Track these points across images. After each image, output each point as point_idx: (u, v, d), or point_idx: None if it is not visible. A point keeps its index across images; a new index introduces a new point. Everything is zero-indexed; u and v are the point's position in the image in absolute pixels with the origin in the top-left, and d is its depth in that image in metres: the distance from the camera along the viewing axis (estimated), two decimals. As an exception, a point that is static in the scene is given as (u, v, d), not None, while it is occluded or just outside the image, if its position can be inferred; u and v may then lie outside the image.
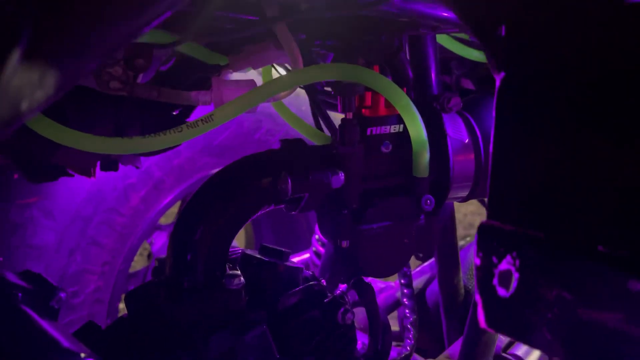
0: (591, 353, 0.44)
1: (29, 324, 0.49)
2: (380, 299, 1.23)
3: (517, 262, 0.47)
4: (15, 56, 0.33)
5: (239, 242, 2.31)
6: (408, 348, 0.91)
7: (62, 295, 0.57)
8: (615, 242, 0.42)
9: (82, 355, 0.44)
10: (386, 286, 1.28)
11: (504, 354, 1.01)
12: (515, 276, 0.47)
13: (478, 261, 0.49)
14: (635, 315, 0.43)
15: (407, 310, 0.96)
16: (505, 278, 0.48)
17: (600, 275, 0.43)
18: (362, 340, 0.85)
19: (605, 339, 0.43)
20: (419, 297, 1.30)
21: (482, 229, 0.50)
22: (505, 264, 0.48)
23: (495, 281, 0.48)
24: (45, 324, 0.49)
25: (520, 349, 1.02)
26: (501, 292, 0.48)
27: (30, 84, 0.34)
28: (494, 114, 0.52)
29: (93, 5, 0.36)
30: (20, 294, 0.54)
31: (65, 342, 0.47)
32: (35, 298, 0.55)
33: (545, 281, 0.45)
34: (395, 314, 1.28)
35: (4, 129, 0.35)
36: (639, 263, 0.42)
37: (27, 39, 0.34)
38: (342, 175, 0.71)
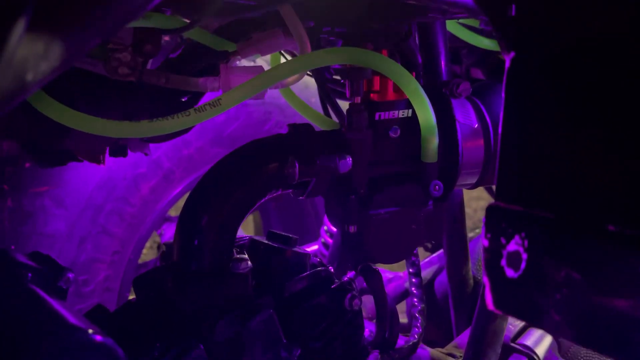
0: (601, 334, 0.43)
1: (37, 302, 0.49)
2: (389, 289, 1.22)
3: (526, 242, 0.46)
4: (19, 27, 0.33)
5: (248, 233, 2.32)
6: (416, 336, 0.90)
7: (70, 275, 0.57)
8: (625, 221, 0.42)
9: (90, 331, 0.45)
10: (395, 276, 1.28)
11: (512, 344, 1.00)
12: (523, 257, 0.47)
13: (486, 242, 0.49)
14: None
15: (415, 299, 0.96)
16: (513, 259, 0.47)
17: (610, 255, 0.42)
18: (369, 328, 0.85)
19: (616, 320, 0.43)
20: (427, 288, 1.30)
21: (490, 210, 0.49)
22: (513, 245, 0.47)
23: (503, 262, 0.48)
24: (53, 302, 0.50)
25: (529, 339, 1.01)
26: (509, 273, 0.48)
27: (35, 56, 0.34)
28: (503, 94, 0.51)
29: (98, -22, 0.36)
30: (29, 274, 0.55)
31: (72, 319, 0.47)
32: (44, 278, 0.56)
33: (554, 262, 0.45)
34: (404, 306, 1.28)
35: (10, 100, 0.35)
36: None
37: (32, 10, 0.34)
38: (349, 160, 0.71)
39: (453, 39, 0.94)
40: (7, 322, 0.46)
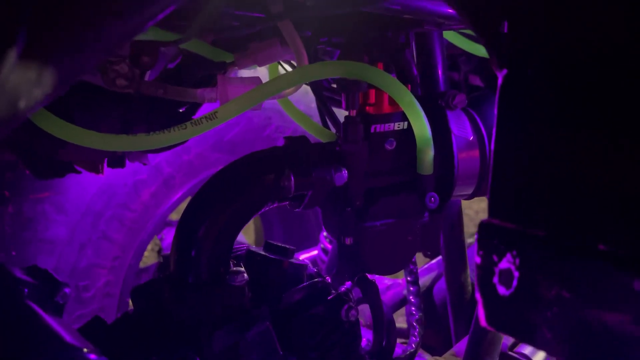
0: (592, 353, 0.44)
1: (33, 320, 0.50)
2: (388, 296, 1.23)
3: (517, 260, 0.47)
4: (12, 55, 0.34)
5: (249, 238, 2.32)
6: (413, 345, 0.91)
7: (67, 290, 0.57)
8: (616, 241, 0.42)
9: (85, 350, 0.45)
10: (393, 283, 1.28)
11: (510, 352, 1.00)
12: (515, 275, 0.47)
13: (479, 259, 0.49)
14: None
15: (413, 308, 0.96)
16: (505, 276, 0.47)
17: (600, 274, 0.42)
18: (367, 337, 0.85)
19: (607, 338, 0.43)
20: (426, 294, 1.30)
21: (483, 227, 0.49)
22: (505, 263, 0.47)
23: (495, 279, 0.48)
24: (49, 320, 0.50)
25: (527, 348, 1.02)
26: (501, 290, 0.48)
27: (27, 82, 0.35)
28: (495, 111, 0.51)
29: (89, 3, 0.36)
30: (26, 290, 0.55)
31: (68, 337, 0.47)
32: (41, 293, 0.56)
33: (545, 280, 0.45)
34: (404, 311, 1.28)
35: (3, 127, 0.35)
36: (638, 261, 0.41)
37: (24, 37, 0.34)
38: (345, 173, 0.71)
39: (451, 46, 0.95)
40: (3, 340, 0.47)
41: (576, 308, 0.43)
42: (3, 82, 0.34)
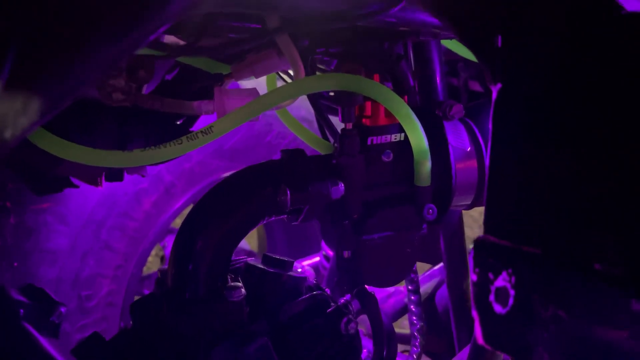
0: (589, 373, 0.43)
1: (28, 342, 0.50)
2: (389, 304, 1.22)
3: (513, 278, 0.46)
4: (-3, 85, 0.34)
5: (252, 243, 2.32)
6: (414, 356, 0.90)
7: (63, 310, 0.57)
8: (612, 260, 0.41)
9: (78, 373, 0.45)
10: (395, 291, 1.27)
11: (512, 361, 0.99)
12: (511, 293, 0.46)
13: (474, 277, 0.49)
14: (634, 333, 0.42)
15: (414, 317, 0.95)
16: (501, 295, 0.47)
17: (596, 293, 0.42)
18: (368, 347, 0.85)
19: (602, 358, 0.42)
20: (428, 301, 1.29)
21: (478, 244, 0.49)
22: (501, 281, 0.47)
23: (491, 297, 0.48)
24: (44, 342, 0.50)
25: (530, 356, 1.01)
26: (497, 308, 0.47)
27: (14, 112, 0.35)
28: (490, 126, 0.51)
29: (75, 32, 0.36)
30: (22, 310, 0.55)
31: (61, 360, 0.47)
32: (37, 313, 0.56)
33: (541, 299, 0.44)
34: (405, 318, 1.27)
35: (-11, 156, 0.35)
36: (635, 281, 0.41)
37: (10, 67, 0.34)
38: (341, 186, 0.71)
39: (450, 52, 0.94)
40: (-2, 363, 0.47)
41: (572, 328, 0.43)
42: (-11, 112, 0.33)
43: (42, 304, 0.57)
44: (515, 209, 0.48)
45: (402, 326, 1.59)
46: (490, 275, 0.48)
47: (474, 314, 0.49)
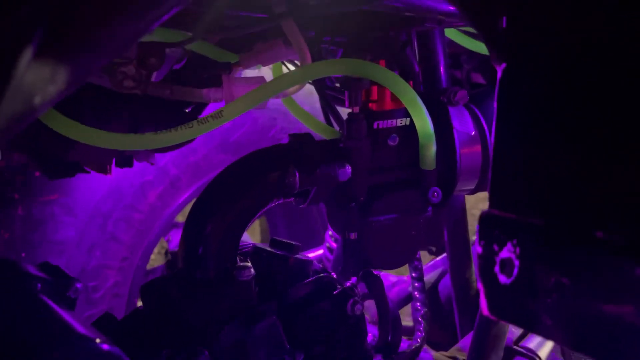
0: (590, 338, 0.45)
1: (47, 312, 0.51)
2: (393, 293, 1.24)
3: (518, 249, 0.48)
4: (28, 53, 0.35)
5: (254, 239, 2.33)
6: (418, 340, 0.92)
7: (79, 285, 0.59)
8: (613, 229, 0.43)
9: (97, 340, 0.47)
10: (399, 280, 1.29)
11: (515, 347, 1.01)
12: (516, 263, 0.48)
13: (480, 249, 0.50)
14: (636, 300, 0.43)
15: (418, 304, 0.97)
16: (506, 265, 0.49)
17: (598, 261, 0.43)
18: (373, 333, 0.86)
19: (603, 324, 0.44)
20: (432, 291, 1.31)
21: (484, 218, 0.50)
22: (506, 252, 0.48)
23: (496, 269, 0.49)
24: (62, 312, 0.52)
25: (532, 342, 1.02)
26: (502, 279, 0.49)
27: (42, 80, 0.36)
28: (495, 104, 0.52)
29: (101, 5, 0.38)
30: (39, 285, 0.57)
31: (81, 329, 0.49)
32: (54, 288, 0.58)
33: (544, 268, 0.46)
34: (409, 309, 1.29)
35: (19, 122, 0.37)
36: (637, 248, 0.42)
37: (40, 37, 0.36)
38: (348, 169, 0.72)
39: (453, 44, 0.96)
40: (18, 332, 0.48)
41: (575, 295, 0.44)
42: (20, 79, 0.35)
43: (59, 279, 0.58)
44: (518, 182, 0.49)
45: (405, 321, 1.60)
46: (495, 247, 0.49)
47: (479, 286, 0.51)
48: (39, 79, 0.36)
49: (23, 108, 0.36)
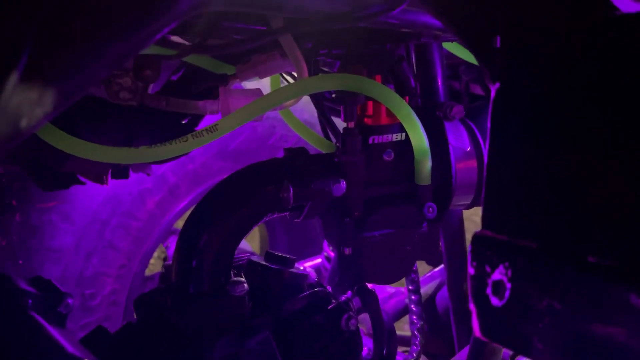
0: (582, 363, 0.44)
1: (36, 330, 0.51)
2: (390, 305, 1.23)
3: (510, 272, 0.47)
4: (14, 76, 0.35)
5: (254, 246, 2.33)
6: (414, 354, 0.91)
7: (70, 301, 0.59)
8: (604, 253, 0.43)
9: (85, 360, 0.46)
10: (396, 291, 1.28)
11: (511, 361, 1.00)
12: (507, 286, 0.47)
13: (472, 270, 0.50)
14: (633, 327, 0.43)
15: (414, 317, 0.96)
16: (498, 287, 0.48)
17: (589, 285, 0.43)
18: (368, 346, 0.86)
19: (595, 348, 0.44)
20: (429, 302, 1.30)
21: (476, 239, 0.50)
22: (498, 274, 0.48)
23: (488, 290, 0.49)
24: (52, 330, 0.51)
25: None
26: (494, 301, 0.48)
27: (29, 102, 0.36)
28: (488, 124, 0.52)
29: (89, 25, 0.38)
30: (30, 300, 0.57)
31: (69, 348, 0.49)
32: (45, 304, 0.58)
33: (537, 291, 0.45)
34: (407, 319, 1.28)
35: (5, 145, 0.37)
36: (629, 273, 0.42)
37: (27, 59, 0.36)
38: (343, 184, 0.72)
39: (452, 55, 0.96)
40: (7, 349, 0.48)
41: (567, 319, 0.44)
42: (6, 103, 0.35)
43: (50, 295, 0.58)
44: (511, 204, 0.49)
45: (403, 329, 1.60)
46: (488, 269, 0.49)
47: (472, 307, 0.51)
48: (26, 102, 0.36)
49: (9, 131, 0.36)
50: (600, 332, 0.43)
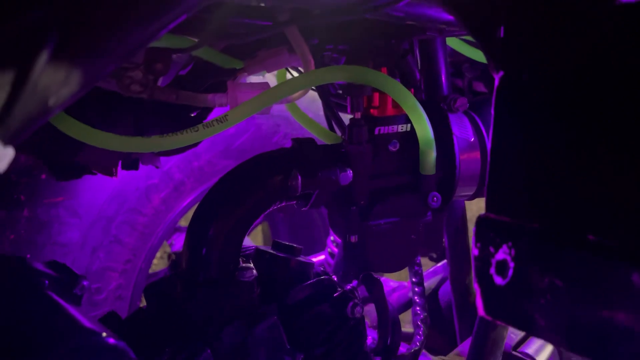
0: (582, 338, 0.46)
1: (54, 307, 0.53)
2: (393, 298, 1.25)
3: (513, 251, 0.49)
4: (43, 57, 0.37)
5: (257, 244, 2.34)
6: (418, 344, 0.93)
7: (85, 283, 0.60)
8: (604, 232, 0.44)
9: (104, 334, 0.48)
10: (399, 285, 1.30)
11: (514, 352, 1.02)
12: (510, 265, 0.49)
13: (476, 251, 0.52)
14: (634, 306, 0.44)
15: (418, 308, 0.98)
16: (501, 267, 0.50)
17: (589, 264, 0.45)
18: (372, 336, 0.87)
19: (595, 325, 0.45)
20: (432, 297, 1.32)
21: (480, 221, 0.52)
22: (501, 254, 0.50)
23: (492, 270, 0.51)
24: (69, 307, 0.53)
25: (530, 347, 1.03)
26: (498, 280, 0.50)
27: (57, 82, 0.38)
28: (492, 111, 0.54)
29: (112, 11, 0.40)
30: (46, 281, 0.58)
31: (87, 323, 0.50)
32: (60, 285, 0.59)
33: (538, 269, 0.47)
34: (409, 316, 1.30)
35: (34, 123, 0.39)
36: (630, 253, 0.43)
37: (54, 41, 0.37)
38: (350, 173, 0.74)
39: (455, 53, 0.97)
40: (26, 326, 0.50)
41: (568, 297, 0.46)
42: (35, 82, 0.37)
43: (66, 277, 0.60)
44: (514, 186, 0.51)
45: (405, 327, 1.61)
46: (491, 249, 0.51)
47: (476, 286, 0.52)
48: (54, 82, 0.38)
49: (38, 109, 0.38)
50: (601, 310, 0.45)
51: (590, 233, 0.45)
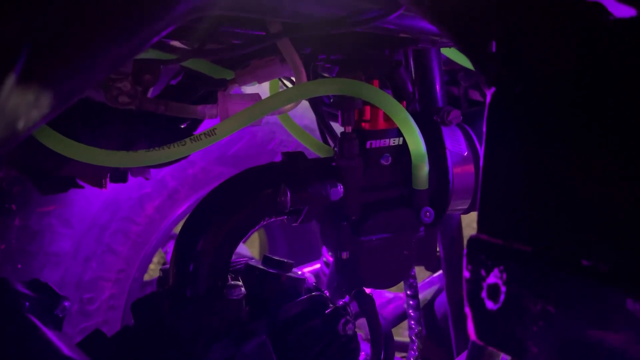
0: (576, 367, 0.44)
1: (33, 333, 0.51)
2: (388, 310, 1.23)
3: (504, 275, 0.47)
4: (12, 78, 0.35)
5: (254, 251, 2.33)
6: (412, 359, 0.91)
7: (67, 304, 0.59)
8: (599, 257, 0.43)
9: (81, 362, 0.46)
10: (395, 297, 1.28)
11: (509, 367, 1.00)
12: (502, 289, 0.48)
13: (467, 274, 0.50)
14: (629, 332, 0.43)
15: (412, 322, 0.96)
16: (493, 291, 0.48)
17: (584, 289, 0.43)
18: (366, 351, 0.86)
19: (589, 352, 0.44)
20: (428, 308, 1.30)
21: (471, 242, 0.50)
22: (493, 278, 0.48)
23: (483, 294, 0.49)
24: (48, 333, 0.52)
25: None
26: (489, 305, 0.49)
27: (26, 104, 0.36)
28: (484, 128, 0.52)
29: (86, 31, 0.38)
30: (27, 303, 0.57)
31: (66, 350, 0.49)
32: (41, 306, 0.58)
33: (531, 295, 0.46)
34: (406, 324, 1.28)
35: (2, 146, 0.37)
36: (624, 278, 0.42)
37: (24, 61, 0.36)
38: (340, 188, 0.72)
39: (451, 61, 0.96)
40: (4, 352, 0.48)
41: (561, 323, 0.44)
42: (3, 104, 0.35)
43: (47, 298, 0.58)
44: (506, 207, 0.49)
45: (402, 336, 1.59)
46: (483, 272, 0.49)
47: (467, 310, 0.51)
48: (23, 104, 0.36)
49: (6, 133, 0.36)
50: (595, 337, 0.43)
51: (584, 257, 0.43)
